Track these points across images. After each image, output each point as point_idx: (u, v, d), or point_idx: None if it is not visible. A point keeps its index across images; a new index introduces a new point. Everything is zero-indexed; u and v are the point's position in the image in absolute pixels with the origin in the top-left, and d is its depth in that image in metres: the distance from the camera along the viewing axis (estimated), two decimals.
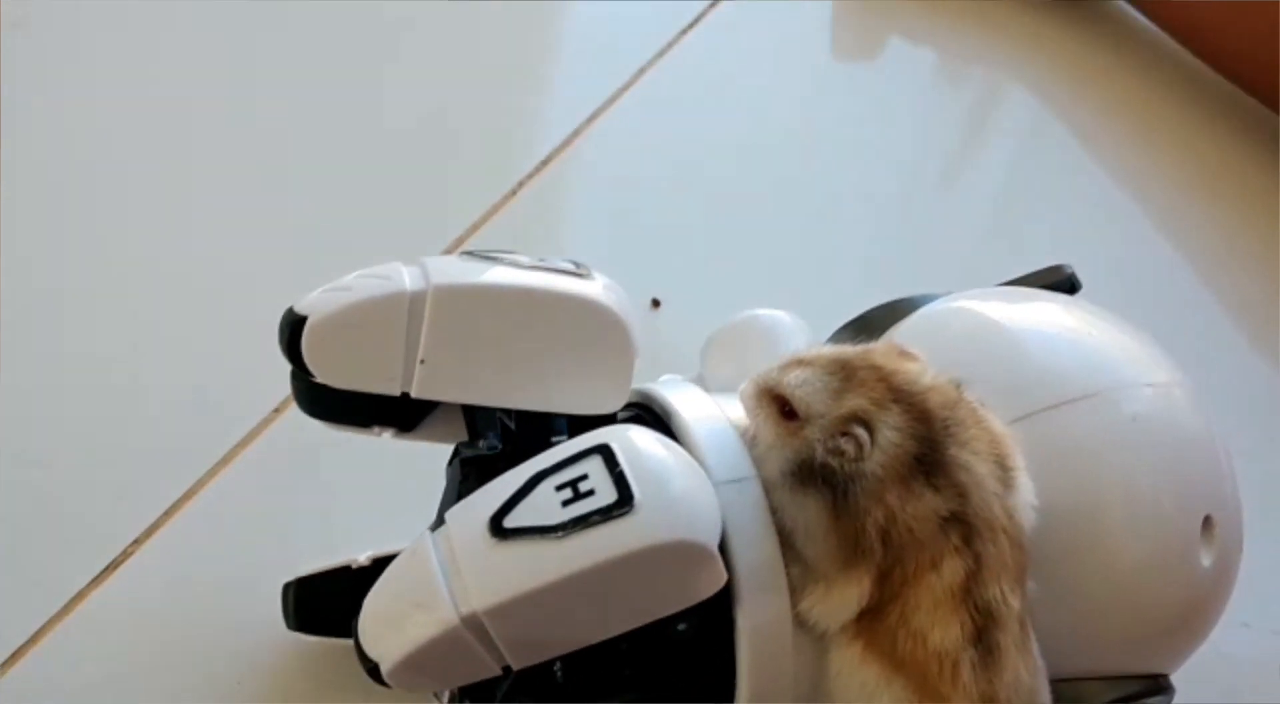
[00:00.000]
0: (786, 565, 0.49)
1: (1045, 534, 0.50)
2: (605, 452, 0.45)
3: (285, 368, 0.51)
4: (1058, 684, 0.51)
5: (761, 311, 0.60)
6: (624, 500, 0.43)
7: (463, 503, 0.46)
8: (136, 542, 0.66)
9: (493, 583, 0.43)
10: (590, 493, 0.44)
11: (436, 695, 0.53)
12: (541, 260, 0.51)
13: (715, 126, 0.94)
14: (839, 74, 1.03)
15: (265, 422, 0.70)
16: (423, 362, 0.48)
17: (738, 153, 0.93)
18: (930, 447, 0.47)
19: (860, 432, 0.47)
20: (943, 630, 0.46)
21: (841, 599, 0.48)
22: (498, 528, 0.43)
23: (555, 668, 0.49)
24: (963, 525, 0.47)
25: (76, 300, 0.74)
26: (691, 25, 1.00)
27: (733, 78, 0.99)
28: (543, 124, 0.91)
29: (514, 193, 0.85)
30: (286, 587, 0.62)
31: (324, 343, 0.48)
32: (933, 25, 1.06)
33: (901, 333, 0.56)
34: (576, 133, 0.89)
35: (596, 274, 0.52)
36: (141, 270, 0.76)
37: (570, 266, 0.51)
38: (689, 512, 0.44)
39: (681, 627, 0.48)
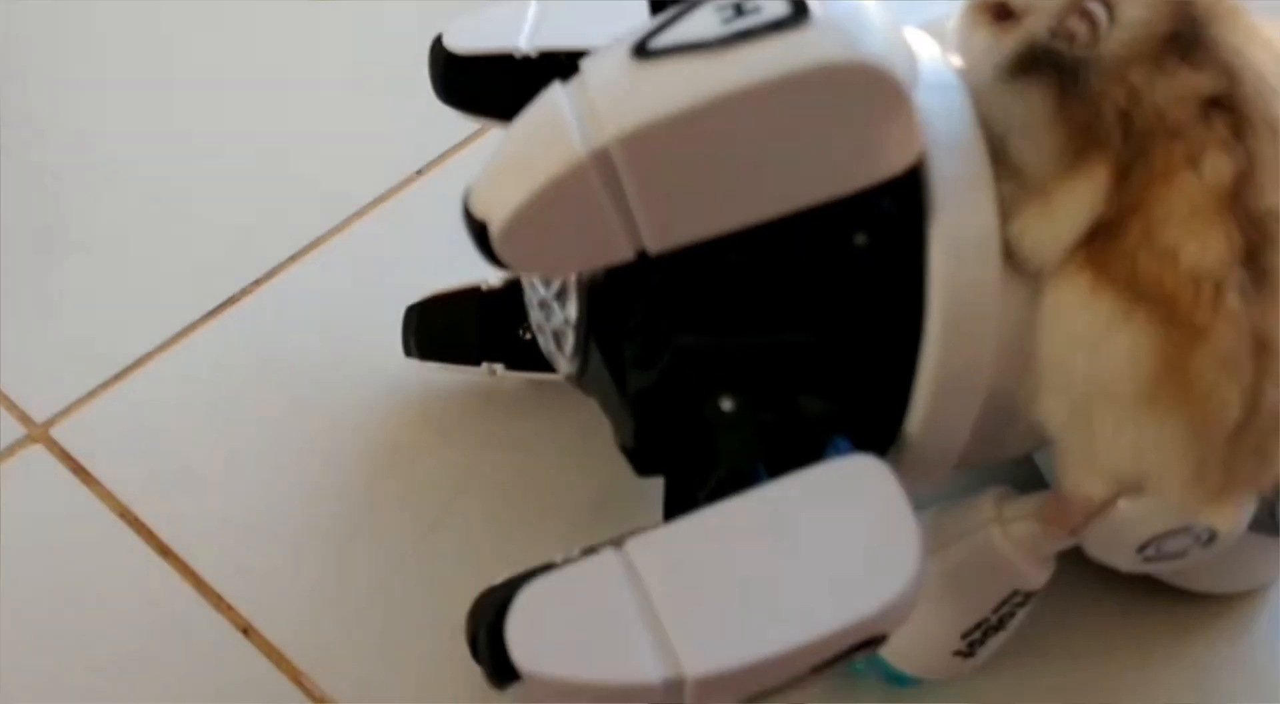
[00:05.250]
0: (996, 182, 0.39)
1: None
2: None
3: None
4: None
5: None
6: (799, 13, 0.35)
7: (605, 47, 0.38)
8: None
9: (629, 106, 0.35)
10: (757, 9, 0.35)
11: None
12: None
13: None
14: None
15: (411, 175, 0.65)
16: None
17: None
18: (1189, 24, 0.37)
19: (1096, 8, 0.37)
20: (1201, 245, 0.36)
21: (1066, 210, 0.38)
22: (641, 50, 0.35)
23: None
24: (1232, 115, 0.37)
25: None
26: None
27: None
28: None
29: None
30: (410, 309, 0.55)
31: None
32: None
33: None
34: None
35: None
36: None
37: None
38: (877, 36, 0.35)
39: (860, 240, 0.39)
